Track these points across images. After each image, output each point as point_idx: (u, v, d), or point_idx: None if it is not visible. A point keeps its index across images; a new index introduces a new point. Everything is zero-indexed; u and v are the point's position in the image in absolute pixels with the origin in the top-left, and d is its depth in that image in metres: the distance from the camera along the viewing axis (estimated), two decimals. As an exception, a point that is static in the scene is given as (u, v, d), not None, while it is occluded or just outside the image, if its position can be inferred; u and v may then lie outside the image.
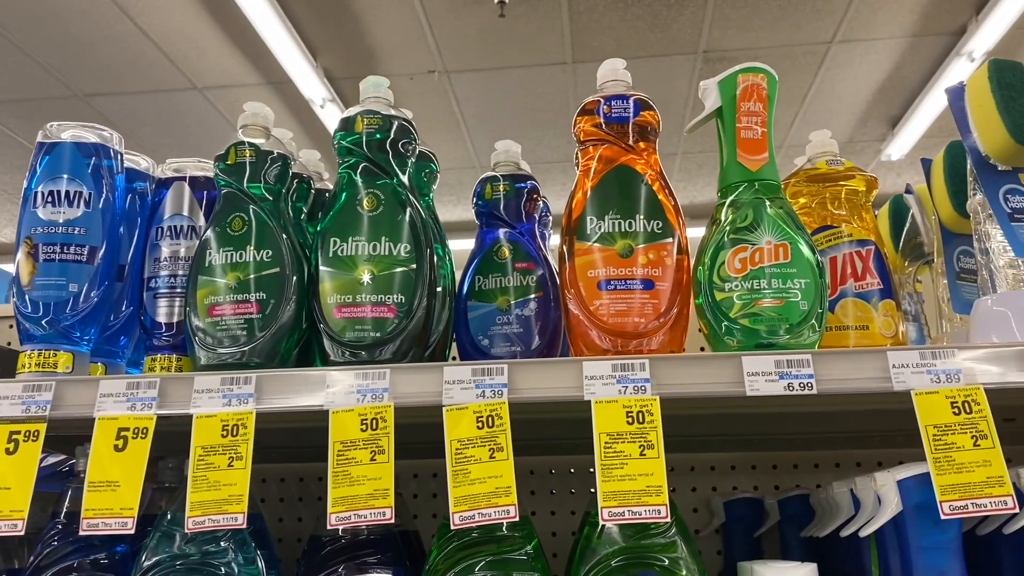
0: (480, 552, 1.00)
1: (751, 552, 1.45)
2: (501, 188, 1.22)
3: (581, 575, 0.97)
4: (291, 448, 1.44)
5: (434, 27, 4.70)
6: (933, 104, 5.33)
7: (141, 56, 4.89)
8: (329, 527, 0.92)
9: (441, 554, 1.01)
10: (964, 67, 4.86)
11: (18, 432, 0.99)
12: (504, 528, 1.01)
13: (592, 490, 1.51)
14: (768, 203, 1.02)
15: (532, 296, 1.16)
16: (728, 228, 1.02)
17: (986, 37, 4.57)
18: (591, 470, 1.52)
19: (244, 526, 0.93)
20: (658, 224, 1.03)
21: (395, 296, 1.04)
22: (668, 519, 0.90)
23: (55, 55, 4.83)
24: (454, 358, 1.19)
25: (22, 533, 0.95)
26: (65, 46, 4.74)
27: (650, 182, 1.05)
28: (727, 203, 1.04)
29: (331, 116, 5.28)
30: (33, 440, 0.99)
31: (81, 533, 0.94)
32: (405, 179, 1.10)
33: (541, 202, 1.24)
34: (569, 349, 1.16)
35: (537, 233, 1.22)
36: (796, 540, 1.37)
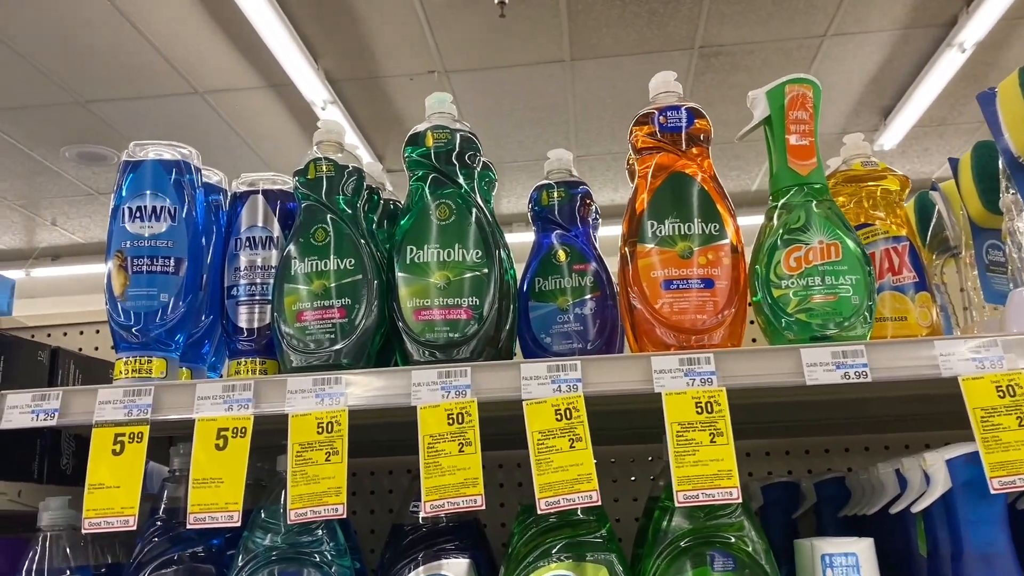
0: (557, 536, 1.07)
1: (789, 533, 1.52)
2: (556, 194, 1.29)
3: (654, 556, 1.05)
4: (361, 443, 1.50)
5: (434, 28, 4.76)
6: (925, 94, 5.43)
7: (142, 61, 4.92)
8: (424, 515, 0.99)
9: (522, 539, 1.08)
10: (955, 58, 4.96)
11: (123, 434, 1.06)
12: (579, 513, 1.08)
13: (652, 477, 1.59)
14: (818, 205, 1.10)
15: (589, 296, 1.23)
16: (782, 230, 1.09)
17: (977, 28, 4.66)
18: (650, 459, 1.61)
19: (344, 515, 1.00)
20: (715, 226, 1.11)
21: (470, 299, 1.11)
22: (739, 500, 0.97)
23: (56, 62, 4.86)
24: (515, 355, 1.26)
25: (134, 528, 1.02)
26: (66, 52, 4.77)
27: (705, 186, 1.13)
28: (779, 206, 1.11)
29: (332, 118, 5.31)
30: (137, 441, 1.05)
31: (188, 527, 1.01)
32: (472, 188, 1.17)
33: (594, 205, 1.31)
34: (625, 345, 1.23)
35: (591, 235, 1.29)
36: (833, 520, 1.45)
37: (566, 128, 5.97)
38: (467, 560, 1.12)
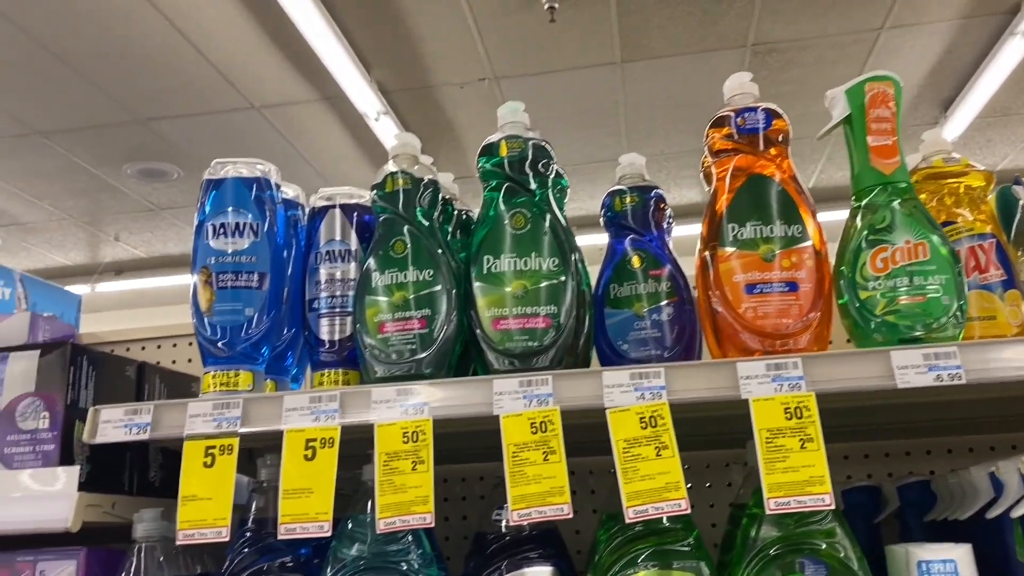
0: (644, 544, 1.06)
1: (871, 538, 1.49)
2: (628, 200, 1.28)
3: (743, 564, 1.03)
4: (453, 450, 1.52)
5: (484, 35, 4.78)
6: (987, 84, 5.28)
7: (199, 78, 5.03)
8: (511, 523, 0.99)
9: (608, 547, 1.07)
10: (1019, 46, 4.81)
11: (213, 447, 1.08)
12: (665, 521, 1.07)
13: (728, 483, 1.57)
14: (902, 204, 1.07)
15: (666, 301, 1.22)
16: (866, 231, 1.07)
17: (1041, 15, 4.52)
18: (726, 464, 1.58)
19: (432, 524, 1.01)
20: (797, 228, 1.09)
21: (547, 307, 1.11)
22: (832, 506, 0.96)
23: (116, 82, 4.99)
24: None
25: (227, 539, 1.04)
26: (126, 72, 4.90)
27: (785, 187, 1.11)
28: (863, 206, 1.09)
29: (385, 129, 5.38)
30: (228, 454, 1.08)
31: (279, 537, 1.03)
32: (546, 196, 1.17)
33: (668, 209, 1.30)
34: (704, 351, 1.22)
35: (666, 239, 1.28)
36: (919, 525, 1.41)
37: (617, 130, 5.94)
38: (551, 568, 1.12)
